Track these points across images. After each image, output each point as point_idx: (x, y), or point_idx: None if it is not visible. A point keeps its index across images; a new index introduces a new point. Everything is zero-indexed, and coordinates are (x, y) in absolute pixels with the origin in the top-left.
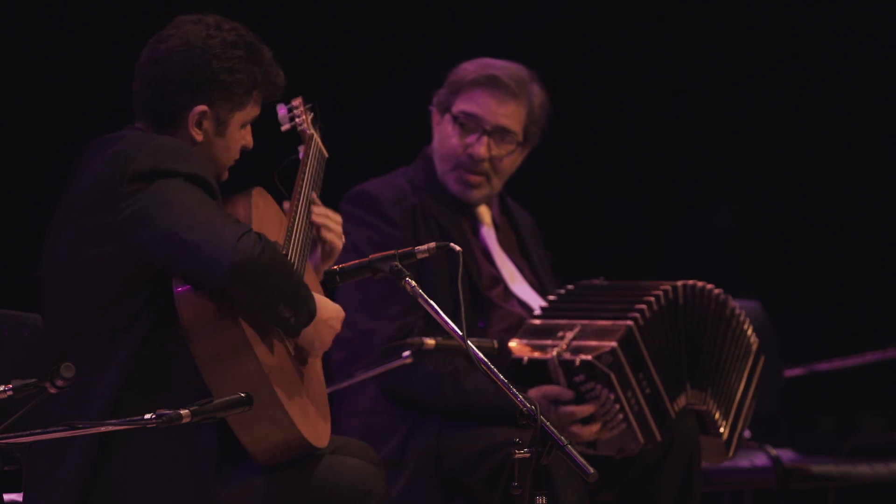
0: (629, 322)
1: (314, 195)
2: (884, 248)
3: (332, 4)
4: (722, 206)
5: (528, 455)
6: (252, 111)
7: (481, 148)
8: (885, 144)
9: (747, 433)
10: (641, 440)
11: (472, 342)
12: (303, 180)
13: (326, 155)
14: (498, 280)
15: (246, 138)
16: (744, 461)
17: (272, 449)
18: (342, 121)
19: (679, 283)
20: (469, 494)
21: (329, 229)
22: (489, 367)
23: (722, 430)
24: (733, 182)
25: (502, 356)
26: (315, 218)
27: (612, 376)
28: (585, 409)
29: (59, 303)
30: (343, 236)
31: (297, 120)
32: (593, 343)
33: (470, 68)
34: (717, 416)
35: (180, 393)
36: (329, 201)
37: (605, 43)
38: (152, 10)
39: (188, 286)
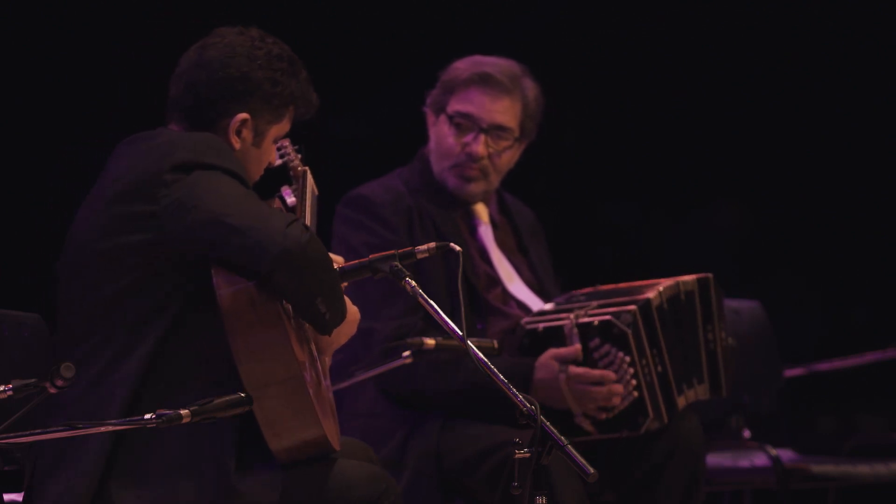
0: (649, 295)
1: None
2: (884, 248)
3: (332, 4)
4: (722, 206)
5: (528, 455)
6: (285, 126)
7: (479, 147)
8: (885, 144)
9: (747, 433)
10: (651, 413)
11: (471, 342)
12: (303, 216)
13: (317, 192)
14: (495, 281)
15: (273, 154)
16: (744, 461)
17: (295, 446)
18: (342, 121)
19: (661, 287)
20: (469, 494)
21: None
22: (489, 367)
23: (706, 391)
24: (733, 182)
25: (516, 332)
26: None
27: (630, 336)
28: (595, 373)
29: (79, 292)
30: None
31: (287, 157)
32: (611, 310)
33: (462, 67)
34: (702, 389)
35: (206, 385)
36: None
37: (605, 43)
38: (152, 11)
39: (227, 277)
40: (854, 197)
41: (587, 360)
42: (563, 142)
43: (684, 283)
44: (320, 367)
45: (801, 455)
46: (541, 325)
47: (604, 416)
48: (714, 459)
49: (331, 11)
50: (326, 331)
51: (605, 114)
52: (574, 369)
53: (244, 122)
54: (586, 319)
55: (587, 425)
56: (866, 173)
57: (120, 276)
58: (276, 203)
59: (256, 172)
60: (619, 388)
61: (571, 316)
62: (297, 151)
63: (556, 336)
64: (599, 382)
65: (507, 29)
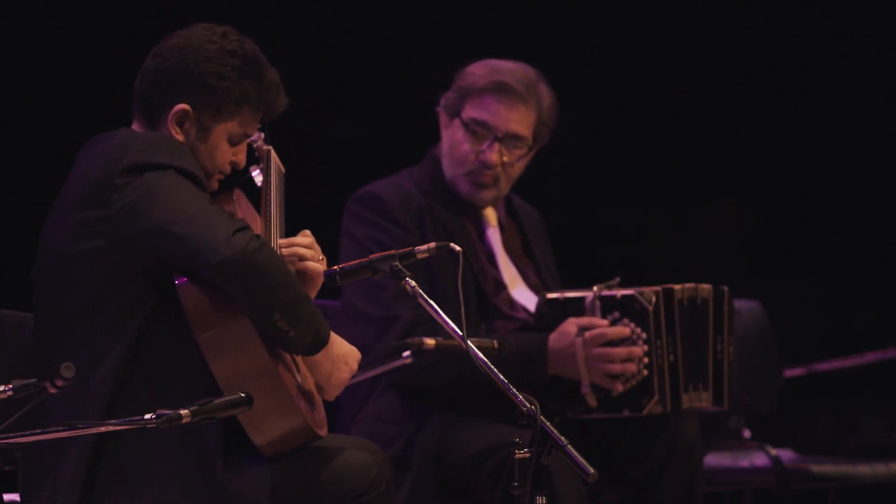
0: (672, 285)
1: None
2: (884, 248)
3: (332, 4)
4: (722, 206)
5: (528, 455)
6: (241, 127)
7: (493, 155)
8: (886, 144)
9: (747, 433)
10: (656, 395)
11: (472, 342)
12: (269, 195)
13: (283, 170)
14: (502, 285)
15: (237, 155)
16: (744, 461)
17: (279, 438)
18: (342, 121)
19: (682, 285)
20: (469, 494)
21: (304, 258)
22: (489, 367)
23: (709, 399)
24: (733, 182)
25: (538, 302)
26: (284, 253)
27: (651, 313)
28: (617, 331)
29: (52, 299)
30: (321, 257)
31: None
32: (636, 289)
33: (478, 73)
34: (706, 397)
35: (181, 387)
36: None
37: (605, 43)
38: (152, 11)
39: (189, 278)
40: (854, 197)
41: None
42: (563, 142)
43: (702, 288)
44: (303, 373)
45: (801, 455)
46: (562, 296)
47: (619, 386)
48: (714, 459)
49: (331, 11)
50: (293, 350)
51: (605, 114)
52: (594, 331)
53: (184, 113)
54: (609, 293)
55: (591, 399)
56: (866, 173)
57: (86, 281)
58: (236, 196)
59: (211, 168)
60: (637, 350)
61: (595, 288)
62: (261, 130)
63: (577, 306)
64: (616, 343)
65: (508, 29)
